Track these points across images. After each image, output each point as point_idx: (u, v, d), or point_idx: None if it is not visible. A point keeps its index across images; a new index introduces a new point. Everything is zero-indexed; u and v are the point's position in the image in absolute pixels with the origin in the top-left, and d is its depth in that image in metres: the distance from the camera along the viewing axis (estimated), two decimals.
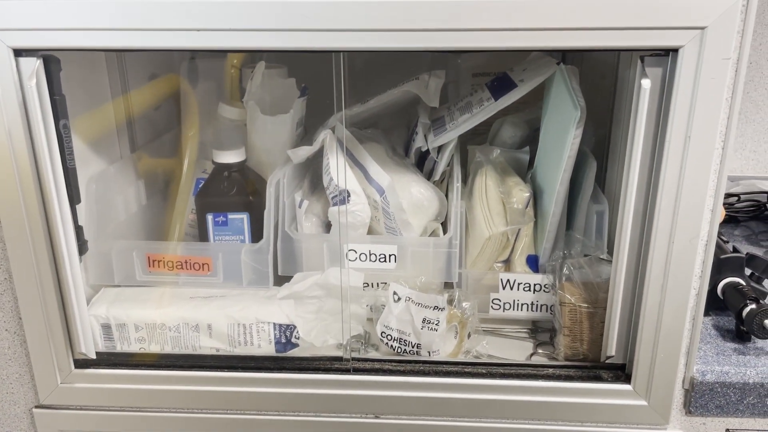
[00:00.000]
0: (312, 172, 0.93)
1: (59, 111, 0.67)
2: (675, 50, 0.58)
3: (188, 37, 0.59)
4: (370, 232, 0.85)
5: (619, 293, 0.67)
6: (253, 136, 0.88)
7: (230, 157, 0.83)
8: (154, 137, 0.96)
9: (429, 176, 0.92)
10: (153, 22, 0.59)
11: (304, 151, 0.84)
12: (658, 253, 0.64)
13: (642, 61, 0.60)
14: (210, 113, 0.94)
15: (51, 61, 0.64)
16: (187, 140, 0.90)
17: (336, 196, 0.82)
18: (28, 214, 0.66)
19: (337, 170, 0.81)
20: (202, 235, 0.85)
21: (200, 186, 0.87)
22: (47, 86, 0.64)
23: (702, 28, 0.56)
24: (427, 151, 0.91)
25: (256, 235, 0.84)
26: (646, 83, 0.59)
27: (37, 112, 0.63)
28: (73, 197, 0.70)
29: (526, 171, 0.94)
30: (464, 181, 0.89)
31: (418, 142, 0.91)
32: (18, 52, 0.61)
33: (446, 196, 0.90)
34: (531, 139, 0.97)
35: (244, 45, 0.60)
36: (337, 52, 0.63)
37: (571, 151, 0.74)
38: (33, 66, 0.62)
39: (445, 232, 0.85)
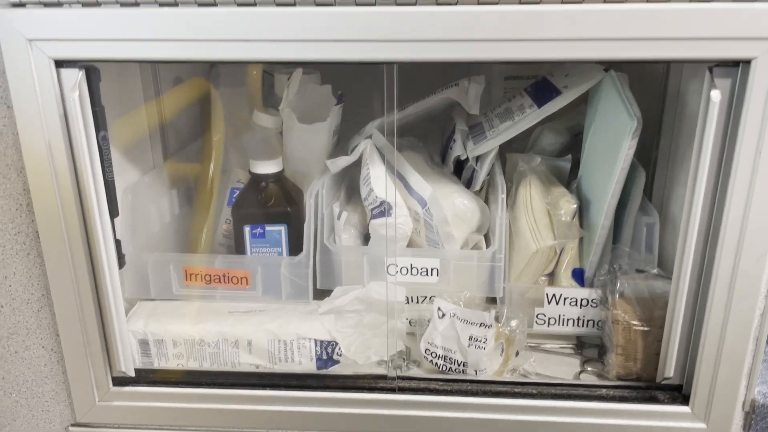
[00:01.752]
0: (348, 182, 0.91)
1: (99, 122, 0.64)
2: (747, 62, 0.55)
3: (236, 48, 0.57)
4: (410, 244, 0.82)
5: (679, 312, 0.64)
6: (289, 145, 0.86)
7: (267, 167, 0.80)
8: (185, 144, 0.94)
9: (468, 185, 0.89)
10: (197, 32, 0.57)
11: (343, 162, 0.82)
12: (723, 272, 0.61)
13: (711, 71, 0.57)
14: (241, 119, 0.92)
15: (91, 71, 0.62)
16: (214, 145, 0.89)
17: (376, 207, 0.79)
18: (68, 228, 0.65)
19: (379, 181, 0.78)
20: (239, 247, 0.83)
21: (236, 197, 0.85)
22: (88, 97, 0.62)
23: None
24: (466, 159, 0.88)
25: (294, 246, 0.81)
26: (715, 96, 0.56)
27: (79, 124, 0.61)
28: (113, 210, 0.69)
29: (567, 179, 0.92)
30: (507, 190, 0.86)
31: (457, 150, 0.89)
32: (59, 63, 0.59)
33: (487, 203, 0.87)
34: (572, 146, 0.94)
35: (296, 57, 0.57)
36: (391, 63, 0.61)
37: (625, 163, 0.71)
38: (75, 78, 0.60)
39: (487, 244, 0.83)
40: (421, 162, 0.88)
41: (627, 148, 0.70)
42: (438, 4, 0.55)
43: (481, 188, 0.88)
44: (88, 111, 0.61)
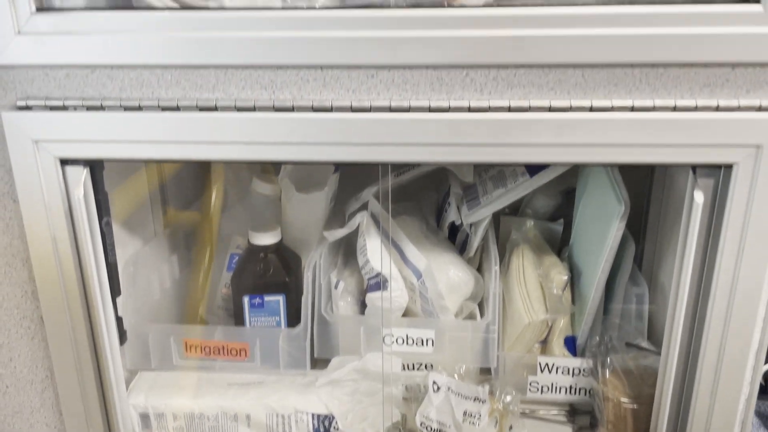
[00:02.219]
0: (345, 247, 0.93)
1: (102, 209, 0.66)
2: (729, 165, 0.57)
3: (236, 150, 0.59)
4: (406, 312, 0.84)
5: (668, 390, 0.66)
6: (288, 213, 0.88)
7: (266, 239, 0.82)
8: (186, 209, 0.95)
9: (462, 248, 0.91)
10: (199, 135, 0.59)
11: (341, 233, 0.84)
12: (708, 362, 0.63)
13: (694, 171, 0.59)
14: (241, 185, 0.94)
15: (95, 164, 0.64)
16: (213, 211, 0.91)
17: (372, 277, 0.81)
18: (71, 313, 0.66)
19: (375, 254, 0.80)
20: (238, 315, 0.84)
21: (235, 267, 0.86)
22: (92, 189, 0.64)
23: (758, 146, 0.55)
24: (461, 223, 0.90)
25: (292, 314, 0.83)
26: (699, 197, 0.58)
27: (83, 219, 0.63)
28: (115, 290, 0.70)
29: (559, 240, 0.94)
30: (500, 257, 0.88)
31: (452, 216, 0.91)
32: (64, 161, 0.61)
33: (480, 267, 0.89)
34: (563, 206, 0.96)
35: (294, 158, 0.59)
36: (386, 164, 0.62)
37: (613, 243, 0.73)
38: (80, 175, 0.62)
39: (481, 312, 0.85)
40: (416, 228, 0.90)
41: (615, 230, 0.72)
42: (430, 110, 0.57)
43: (475, 253, 0.90)
44: (92, 205, 0.63)
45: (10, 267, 0.66)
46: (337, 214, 0.92)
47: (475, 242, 0.88)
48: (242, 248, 0.90)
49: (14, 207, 0.63)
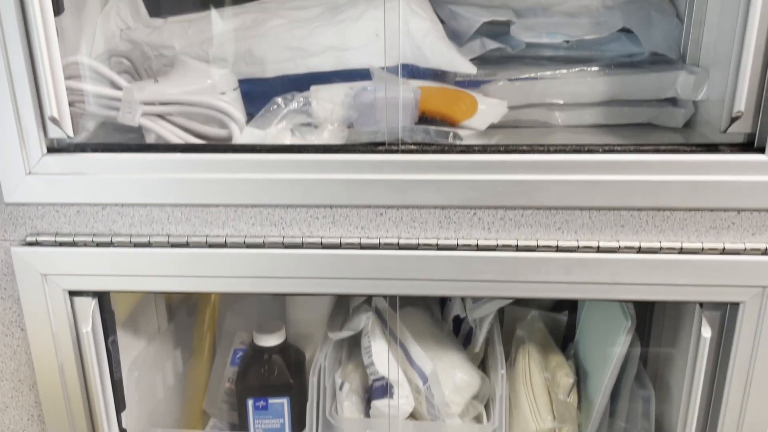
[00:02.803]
0: (349, 340, 0.93)
1: (108, 328, 0.66)
2: (735, 303, 0.57)
3: (245, 283, 0.59)
4: (411, 413, 0.84)
5: None
6: (292, 309, 0.88)
7: (271, 340, 0.82)
8: (190, 302, 0.95)
9: (466, 340, 0.91)
10: (208, 269, 0.59)
11: (345, 334, 0.84)
12: None
13: (701, 306, 0.59)
14: None
15: (103, 293, 0.64)
16: (214, 306, 0.91)
17: (377, 379, 0.81)
18: None
19: (380, 357, 0.80)
20: (241, 413, 0.84)
21: (238, 368, 0.86)
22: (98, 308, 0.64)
23: (764, 287, 0.56)
24: (465, 316, 0.90)
25: (297, 416, 0.83)
26: (706, 332, 0.59)
27: (91, 348, 0.62)
28: (119, 406, 0.70)
29: (564, 332, 0.94)
30: (505, 352, 0.88)
31: (456, 309, 0.91)
32: (73, 293, 0.61)
33: (485, 361, 0.89)
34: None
35: (303, 291, 0.60)
36: (394, 296, 0.63)
37: (620, 354, 0.73)
38: (88, 306, 0.62)
39: (487, 412, 0.84)
40: (421, 321, 0.90)
41: (622, 343, 0.72)
42: (439, 248, 0.58)
43: (480, 347, 0.90)
44: (100, 334, 0.63)
45: (16, 392, 0.66)
46: (342, 307, 0.92)
47: (480, 338, 0.88)
48: (246, 344, 0.90)
49: (22, 335, 0.63)
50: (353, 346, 0.91)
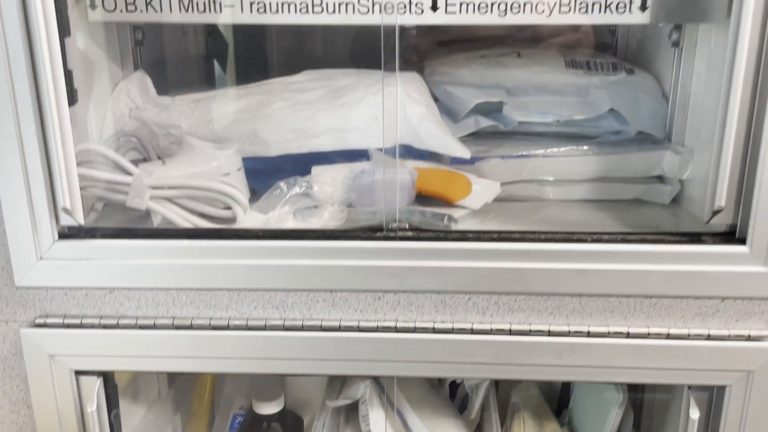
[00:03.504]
0: (346, 410, 0.94)
1: (112, 402, 0.68)
2: (722, 387, 0.59)
3: (249, 365, 0.61)
4: None
5: None
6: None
7: (269, 407, 0.83)
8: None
9: (462, 405, 0.92)
10: (211, 351, 0.61)
11: (343, 402, 0.85)
12: None
13: (689, 387, 0.61)
14: None
15: (108, 372, 0.65)
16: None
17: None
18: None
19: (377, 426, 0.81)
20: None
21: (237, 430, 0.87)
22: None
23: (749, 371, 0.58)
24: (461, 381, 0.92)
25: None
26: (694, 413, 0.60)
27: (95, 427, 0.64)
28: None
29: (558, 395, 0.95)
30: (500, 417, 0.89)
31: None
32: (79, 372, 0.63)
33: (481, 427, 0.90)
34: None
35: (304, 371, 0.61)
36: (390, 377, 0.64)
37: (613, 425, 0.75)
38: (93, 385, 0.63)
39: None
40: (418, 388, 0.91)
41: (614, 416, 0.74)
42: (435, 332, 0.60)
43: (476, 414, 0.91)
44: (104, 412, 0.65)
45: None
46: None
47: (476, 404, 0.89)
48: (245, 409, 0.91)
49: (28, 413, 0.64)
50: (351, 413, 0.92)
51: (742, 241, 0.56)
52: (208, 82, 0.85)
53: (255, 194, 0.73)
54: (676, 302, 0.58)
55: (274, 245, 0.59)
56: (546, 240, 0.58)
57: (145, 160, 0.75)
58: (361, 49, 0.71)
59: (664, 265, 0.56)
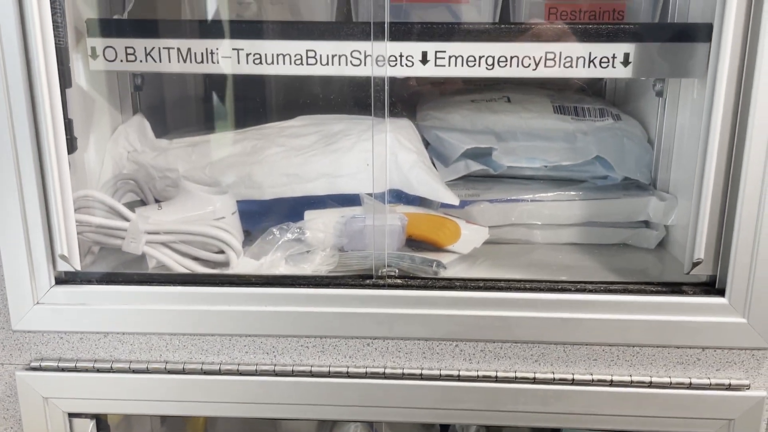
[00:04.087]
0: None
1: None
2: None
3: (240, 408, 0.62)
4: None
5: None
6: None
7: None
8: None
9: None
10: (202, 395, 0.62)
11: None
12: None
13: None
14: None
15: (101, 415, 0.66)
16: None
17: None
18: None
19: None
20: None
21: None
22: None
23: (730, 420, 0.59)
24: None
25: None
26: None
27: None
28: None
29: None
30: None
31: None
32: (72, 414, 0.64)
33: None
34: None
35: (291, 416, 0.62)
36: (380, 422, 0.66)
37: None
38: (86, 427, 0.64)
39: None
40: (409, 428, 0.92)
41: None
42: (422, 378, 0.61)
43: None
44: None
45: None
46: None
47: None
48: None
49: None
50: None
51: (722, 292, 0.57)
52: (206, 124, 0.87)
53: (249, 235, 0.75)
54: (658, 351, 0.59)
55: (265, 292, 0.60)
56: (531, 289, 0.59)
57: (142, 201, 0.77)
58: (355, 96, 0.73)
59: (646, 315, 0.58)
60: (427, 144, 0.82)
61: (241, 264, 0.65)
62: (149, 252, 0.65)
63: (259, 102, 0.84)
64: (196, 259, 0.67)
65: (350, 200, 0.73)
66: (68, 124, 0.62)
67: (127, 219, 0.64)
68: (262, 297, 0.60)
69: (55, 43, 0.58)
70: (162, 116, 0.85)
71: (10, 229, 0.59)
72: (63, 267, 0.60)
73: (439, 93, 0.91)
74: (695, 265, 0.57)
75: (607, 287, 0.59)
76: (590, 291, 0.59)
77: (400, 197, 0.74)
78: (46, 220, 0.59)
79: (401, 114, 0.81)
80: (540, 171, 0.82)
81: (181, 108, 0.89)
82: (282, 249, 0.66)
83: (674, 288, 0.59)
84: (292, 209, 0.74)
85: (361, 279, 0.61)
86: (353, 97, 0.74)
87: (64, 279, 0.61)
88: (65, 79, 0.62)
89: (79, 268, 0.60)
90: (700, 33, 0.63)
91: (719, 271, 0.58)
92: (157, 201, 0.76)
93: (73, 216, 0.59)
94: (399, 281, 0.61)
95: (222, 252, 0.67)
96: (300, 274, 0.63)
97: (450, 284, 0.60)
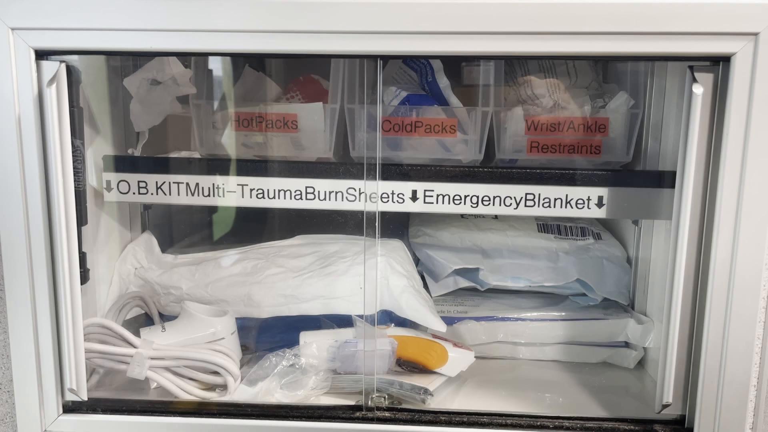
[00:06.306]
0: None
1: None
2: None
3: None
4: None
5: None
6: None
7: None
8: None
9: None
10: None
11: None
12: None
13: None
14: None
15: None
16: None
17: None
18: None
19: None
20: None
21: None
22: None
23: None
24: None
25: None
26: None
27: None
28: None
29: None
30: None
31: None
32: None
33: None
34: None
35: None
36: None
37: None
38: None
39: None
40: None
41: None
42: None
43: None
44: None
45: None
46: None
47: None
48: None
49: None
50: None
51: (690, 431, 0.61)
52: (209, 238, 0.92)
53: (247, 349, 0.79)
54: None
55: (260, 424, 0.64)
56: (512, 426, 0.63)
57: (147, 315, 0.82)
58: (351, 217, 0.78)
59: None
60: (417, 262, 0.87)
61: (238, 393, 0.69)
62: (152, 376, 0.69)
63: (261, 219, 0.89)
64: (195, 380, 0.71)
65: (344, 320, 0.77)
66: (82, 258, 0.67)
67: (133, 345, 0.68)
68: (257, 429, 0.63)
69: (75, 187, 0.63)
70: (168, 230, 0.91)
71: (24, 362, 0.63)
72: (70, 397, 0.64)
73: None
74: (665, 407, 0.61)
75: (583, 425, 0.63)
76: (567, 429, 0.62)
77: (391, 317, 0.78)
78: (58, 353, 0.63)
79: (394, 233, 0.86)
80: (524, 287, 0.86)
81: (187, 223, 0.94)
82: (278, 377, 0.69)
83: (646, 426, 0.62)
84: (289, 327, 0.78)
85: (351, 411, 0.65)
86: (350, 219, 0.79)
87: (71, 407, 0.65)
88: (82, 218, 0.67)
89: (86, 398, 0.64)
90: (666, 179, 0.68)
91: (687, 411, 0.62)
92: (161, 315, 0.81)
93: (83, 348, 0.64)
94: (387, 414, 0.65)
95: (220, 375, 0.70)
96: (294, 404, 0.66)
97: (435, 418, 0.64)
